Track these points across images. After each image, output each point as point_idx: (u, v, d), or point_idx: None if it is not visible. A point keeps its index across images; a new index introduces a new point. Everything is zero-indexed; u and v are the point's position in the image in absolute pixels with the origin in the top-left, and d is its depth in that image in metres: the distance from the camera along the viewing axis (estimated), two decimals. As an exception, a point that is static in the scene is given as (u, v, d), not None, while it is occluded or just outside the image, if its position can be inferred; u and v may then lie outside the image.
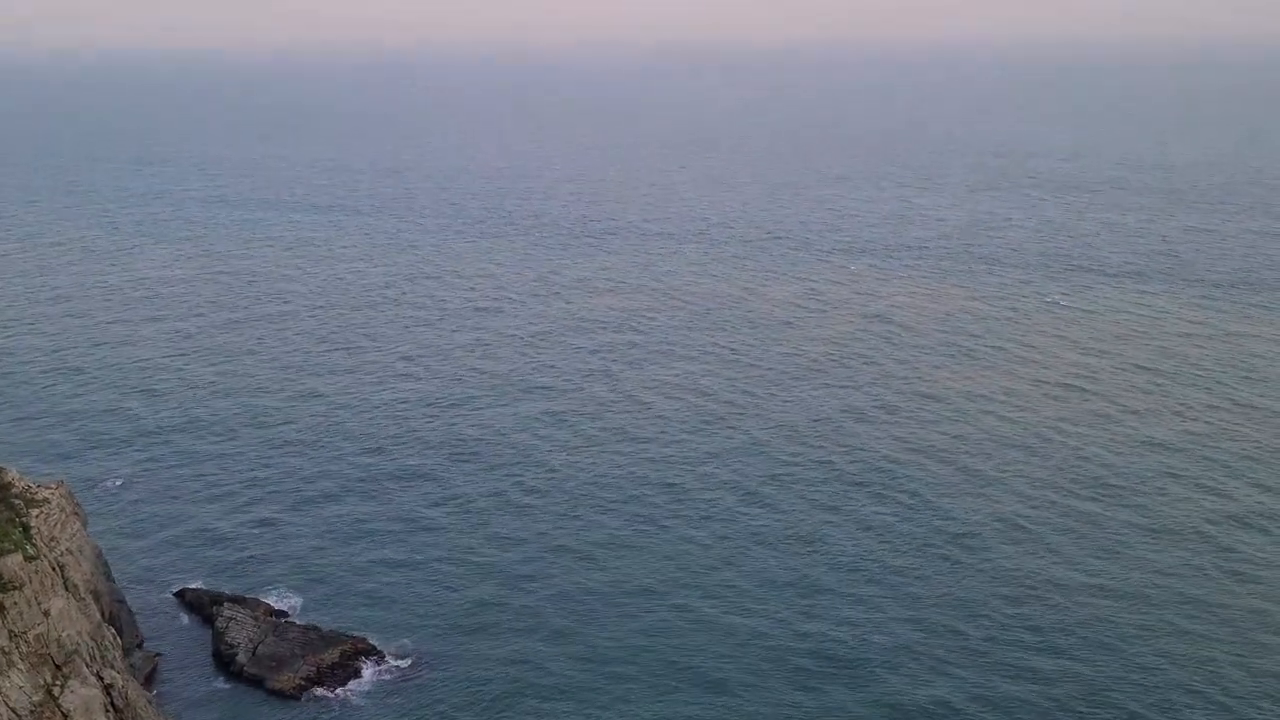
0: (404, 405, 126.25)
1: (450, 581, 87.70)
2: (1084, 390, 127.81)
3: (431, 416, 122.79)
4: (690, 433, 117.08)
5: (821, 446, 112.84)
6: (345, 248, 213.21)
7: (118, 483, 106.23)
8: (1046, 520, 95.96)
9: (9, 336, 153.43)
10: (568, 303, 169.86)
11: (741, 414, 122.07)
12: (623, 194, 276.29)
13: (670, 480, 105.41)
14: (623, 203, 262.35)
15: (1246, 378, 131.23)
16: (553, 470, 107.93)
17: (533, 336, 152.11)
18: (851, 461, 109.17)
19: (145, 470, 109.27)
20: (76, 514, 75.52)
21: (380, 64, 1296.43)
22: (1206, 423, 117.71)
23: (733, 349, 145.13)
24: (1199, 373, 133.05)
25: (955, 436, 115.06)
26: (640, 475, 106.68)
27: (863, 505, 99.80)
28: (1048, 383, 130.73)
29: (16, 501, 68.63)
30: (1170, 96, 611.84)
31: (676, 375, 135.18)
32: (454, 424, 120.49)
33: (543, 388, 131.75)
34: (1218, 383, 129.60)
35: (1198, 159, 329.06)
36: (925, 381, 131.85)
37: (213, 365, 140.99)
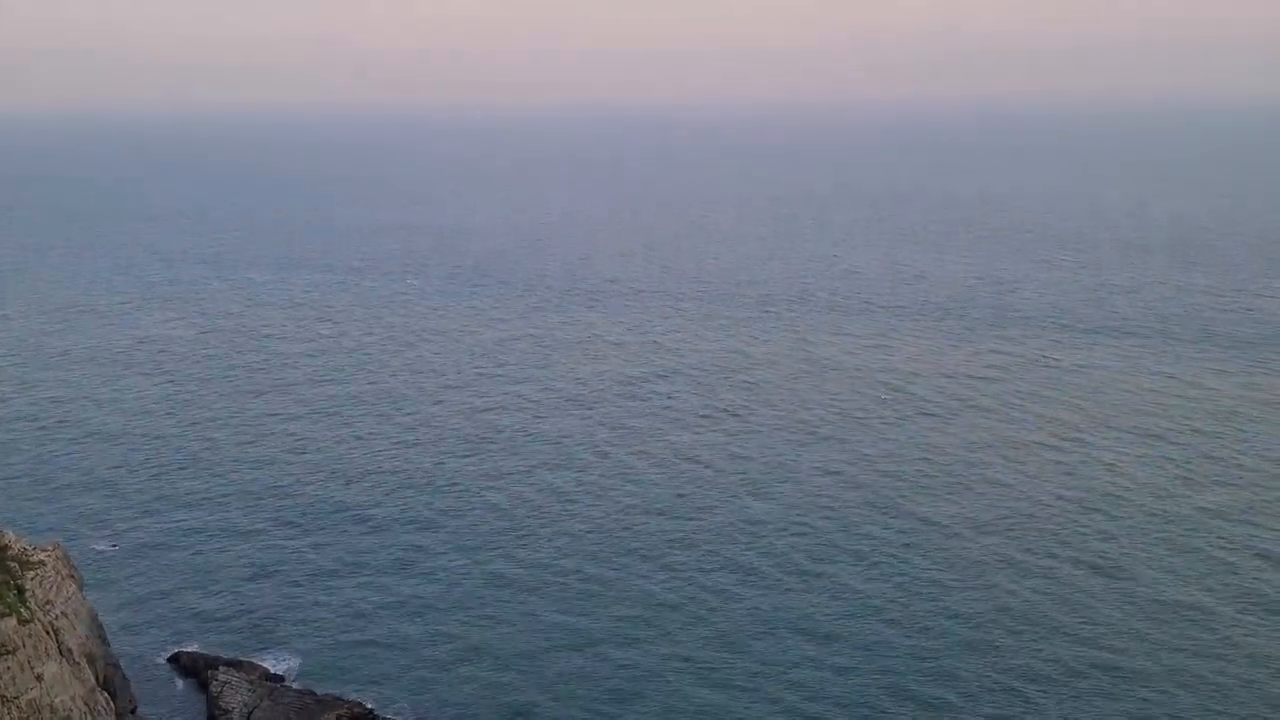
0: (402, 469, 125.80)
1: (449, 646, 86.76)
2: (1079, 450, 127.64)
3: (429, 480, 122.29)
4: (683, 497, 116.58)
5: (819, 510, 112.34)
6: (341, 308, 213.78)
7: (114, 545, 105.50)
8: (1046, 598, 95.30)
9: (6, 397, 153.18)
10: (561, 363, 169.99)
11: (740, 475, 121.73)
12: (621, 250, 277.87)
13: (675, 560, 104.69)
14: (620, 259, 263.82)
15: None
16: (550, 538, 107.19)
17: (537, 397, 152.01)
18: (844, 527, 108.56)
19: (141, 532, 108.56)
20: (72, 577, 74.88)
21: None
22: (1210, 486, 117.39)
23: (728, 410, 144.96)
24: (1206, 438, 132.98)
25: (953, 503, 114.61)
26: (648, 549, 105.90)
27: (864, 583, 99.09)
28: (1045, 443, 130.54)
29: (12, 564, 68.07)
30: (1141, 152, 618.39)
31: (672, 437, 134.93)
32: (452, 488, 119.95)
33: (544, 450, 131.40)
34: (1222, 446, 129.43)
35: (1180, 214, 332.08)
36: (921, 443, 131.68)
37: (211, 428, 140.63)
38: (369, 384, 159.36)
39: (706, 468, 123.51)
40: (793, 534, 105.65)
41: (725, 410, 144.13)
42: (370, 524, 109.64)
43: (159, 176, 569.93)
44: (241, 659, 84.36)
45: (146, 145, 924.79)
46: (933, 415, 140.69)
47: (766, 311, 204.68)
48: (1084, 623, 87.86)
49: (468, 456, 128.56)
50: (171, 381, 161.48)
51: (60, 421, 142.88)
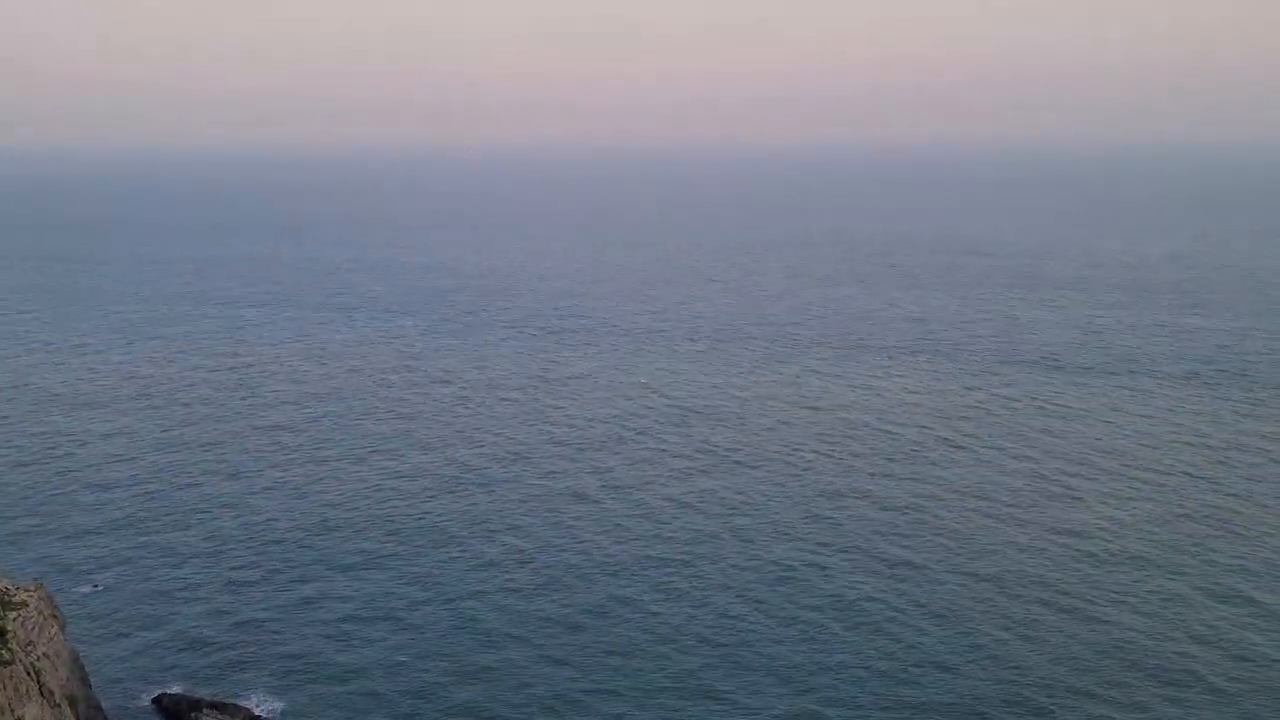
0: (389, 506, 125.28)
1: (437, 684, 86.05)
2: (1079, 490, 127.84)
3: (418, 518, 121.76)
4: (668, 541, 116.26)
5: (806, 555, 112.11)
6: (340, 346, 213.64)
7: (97, 586, 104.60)
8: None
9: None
10: (553, 405, 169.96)
11: (726, 519, 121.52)
12: (613, 290, 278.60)
13: (674, 604, 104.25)
14: (611, 299, 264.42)
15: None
16: (534, 583, 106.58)
17: (523, 435, 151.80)
18: (830, 572, 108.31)
19: (125, 573, 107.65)
20: (55, 617, 74.14)
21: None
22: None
23: (723, 449, 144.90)
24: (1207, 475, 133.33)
25: (942, 547, 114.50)
26: (635, 595, 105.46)
27: (848, 630, 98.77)
28: (1045, 478, 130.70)
29: (-6, 604, 67.43)
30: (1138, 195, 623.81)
31: (658, 479, 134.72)
32: (440, 525, 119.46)
33: (531, 493, 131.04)
34: (1216, 487, 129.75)
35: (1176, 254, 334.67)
36: (913, 484, 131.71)
37: (195, 466, 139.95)
38: (358, 429, 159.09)
39: (694, 510, 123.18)
40: (777, 578, 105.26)
41: (712, 450, 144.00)
42: (353, 568, 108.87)
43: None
44: (225, 700, 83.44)
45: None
46: (924, 457, 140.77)
47: (751, 350, 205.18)
48: (1072, 670, 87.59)
49: (452, 499, 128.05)
50: (158, 417, 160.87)
51: (45, 461, 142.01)
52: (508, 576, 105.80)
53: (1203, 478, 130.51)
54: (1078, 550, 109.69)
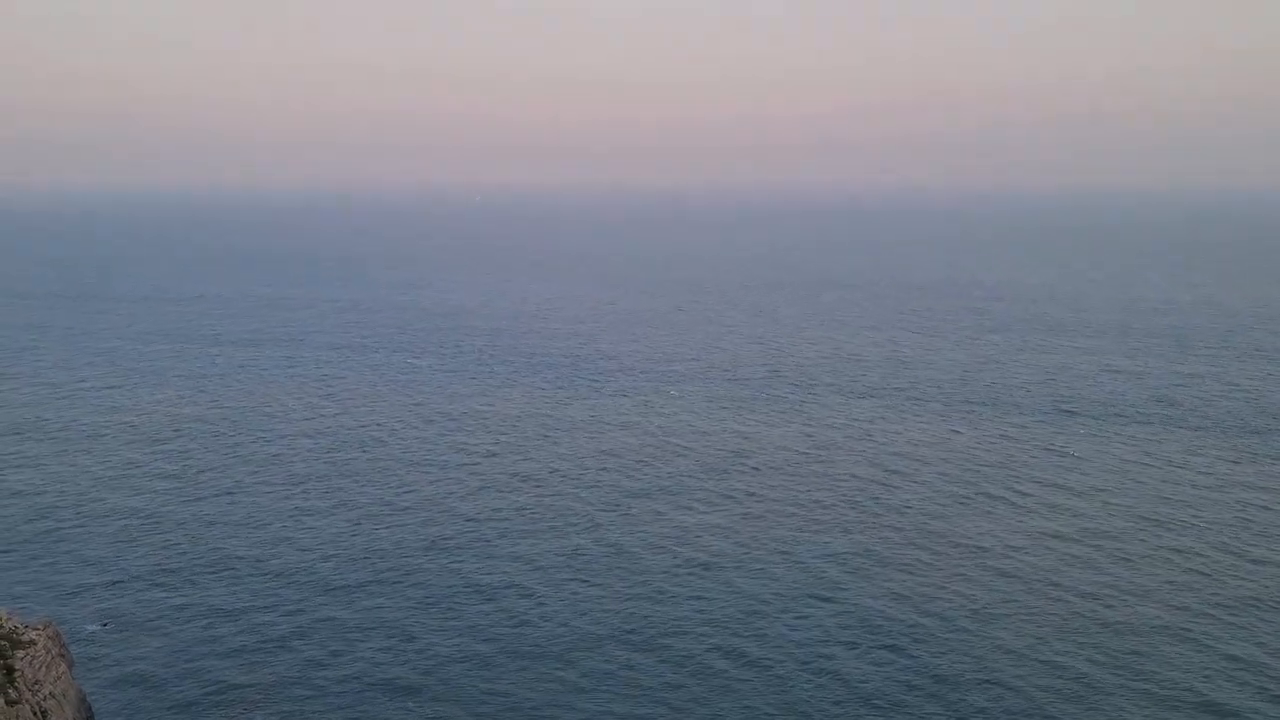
0: (395, 549, 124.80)
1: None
2: (1087, 540, 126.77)
3: (421, 564, 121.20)
4: (678, 580, 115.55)
5: (817, 596, 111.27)
6: (343, 387, 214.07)
7: (105, 625, 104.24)
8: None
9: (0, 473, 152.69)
10: (555, 445, 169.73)
11: (737, 560, 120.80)
12: (622, 333, 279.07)
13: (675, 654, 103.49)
14: (620, 342, 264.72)
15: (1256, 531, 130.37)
16: (538, 623, 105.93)
17: (530, 476, 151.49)
18: (841, 616, 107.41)
19: (134, 612, 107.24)
20: (63, 656, 73.91)
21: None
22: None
23: (730, 494, 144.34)
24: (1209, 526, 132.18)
25: (955, 592, 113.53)
26: (641, 638, 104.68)
27: (862, 677, 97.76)
28: (1054, 534, 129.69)
29: (2, 642, 67.27)
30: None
31: (670, 520, 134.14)
32: (446, 572, 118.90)
33: (540, 532, 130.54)
34: (1231, 536, 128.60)
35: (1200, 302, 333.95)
36: (922, 530, 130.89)
37: (206, 507, 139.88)
38: (368, 460, 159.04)
39: (703, 551, 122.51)
40: (788, 621, 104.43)
41: (724, 494, 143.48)
42: (361, 606, 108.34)
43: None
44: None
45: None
46: (935, 502, 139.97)
47: (767, 393, 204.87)
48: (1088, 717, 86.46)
49: (463, 535, 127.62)
50: (168, 458, 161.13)
51: (57, 498, 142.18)
52: (515, 617, 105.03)
53: (1220, 525, 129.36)
54: (1088, 595, 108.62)
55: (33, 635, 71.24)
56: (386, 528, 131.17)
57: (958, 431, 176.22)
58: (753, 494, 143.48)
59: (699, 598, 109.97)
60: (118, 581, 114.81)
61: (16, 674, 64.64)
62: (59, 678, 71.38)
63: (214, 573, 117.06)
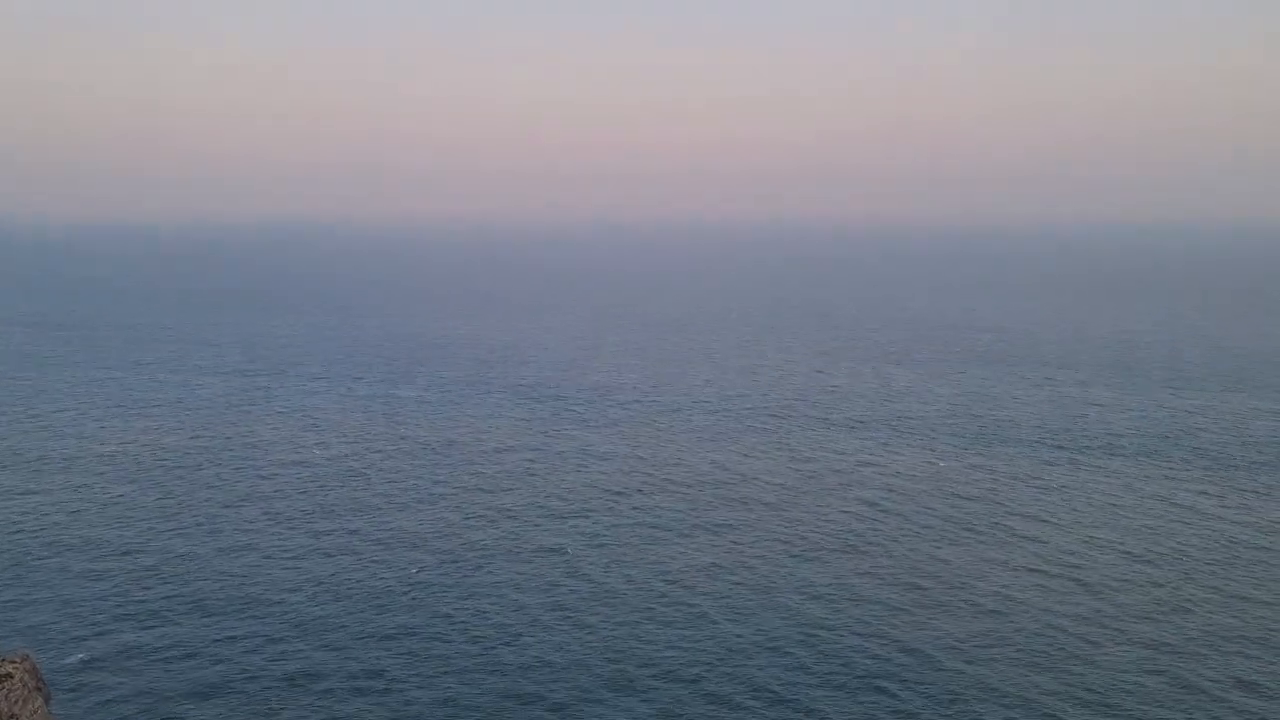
0: (374, 583, 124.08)
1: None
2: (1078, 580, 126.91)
3: (401, 596, 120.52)
4: (656, 618, 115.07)
5: (799, 635, 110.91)
6: (333, 419, 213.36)
7: (83, 659, 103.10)
8: None
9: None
10: (546, 479, 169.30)
11: (720, 596, 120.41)
12: (617, 364, 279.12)
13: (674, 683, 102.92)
14: (614, 374, 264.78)
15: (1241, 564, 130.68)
16: (520, 663, 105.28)
17: (521, 510, 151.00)
18: (823, 653, 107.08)
19: (112, 646, 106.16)
20: (40, 690, 72.84)
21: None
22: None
23: (719, 528, 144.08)
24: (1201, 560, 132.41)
25: (937, 628, 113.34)
26: (623, 676, 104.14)
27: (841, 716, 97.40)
28: (1044, 571, 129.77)
29: (-23, 677, 66.32)
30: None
31: (652, 554, 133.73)
32: (423, 607, 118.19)
33: (520, 567, 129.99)
34: (1213, 571, 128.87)
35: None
36: (907, 565, 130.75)
37: (185, 541, 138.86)
38: (348, 494, 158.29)
39: (686, 589, 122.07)
40: (769, 658, 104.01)
41: (706, 527, 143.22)
42: (339, 640, 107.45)
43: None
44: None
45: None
46: (919, 535, 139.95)
47: (752, 425, 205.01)
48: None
49: (442, 570, 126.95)
50: (154, 490, 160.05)
51: (35, 529, 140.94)
52: (492, 653, 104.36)
53: (1202, 561, 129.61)
54: (1073, 633, 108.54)
55: (9, 668, 70.24)
56: (367, 564, 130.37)
57: (937, 463, 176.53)
58: (734, 527, 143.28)
59: (681, 635, 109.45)
60: (95, 616, 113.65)
61: (-9, 708, 63.77)
62: (35, 712, 70.33)
63: (198, 609, 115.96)
